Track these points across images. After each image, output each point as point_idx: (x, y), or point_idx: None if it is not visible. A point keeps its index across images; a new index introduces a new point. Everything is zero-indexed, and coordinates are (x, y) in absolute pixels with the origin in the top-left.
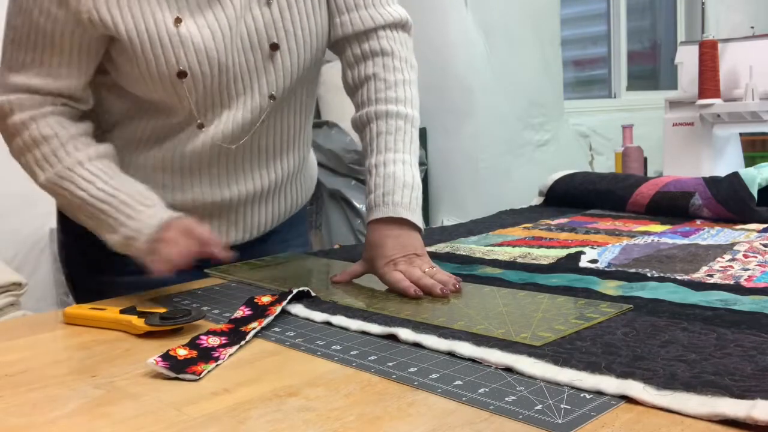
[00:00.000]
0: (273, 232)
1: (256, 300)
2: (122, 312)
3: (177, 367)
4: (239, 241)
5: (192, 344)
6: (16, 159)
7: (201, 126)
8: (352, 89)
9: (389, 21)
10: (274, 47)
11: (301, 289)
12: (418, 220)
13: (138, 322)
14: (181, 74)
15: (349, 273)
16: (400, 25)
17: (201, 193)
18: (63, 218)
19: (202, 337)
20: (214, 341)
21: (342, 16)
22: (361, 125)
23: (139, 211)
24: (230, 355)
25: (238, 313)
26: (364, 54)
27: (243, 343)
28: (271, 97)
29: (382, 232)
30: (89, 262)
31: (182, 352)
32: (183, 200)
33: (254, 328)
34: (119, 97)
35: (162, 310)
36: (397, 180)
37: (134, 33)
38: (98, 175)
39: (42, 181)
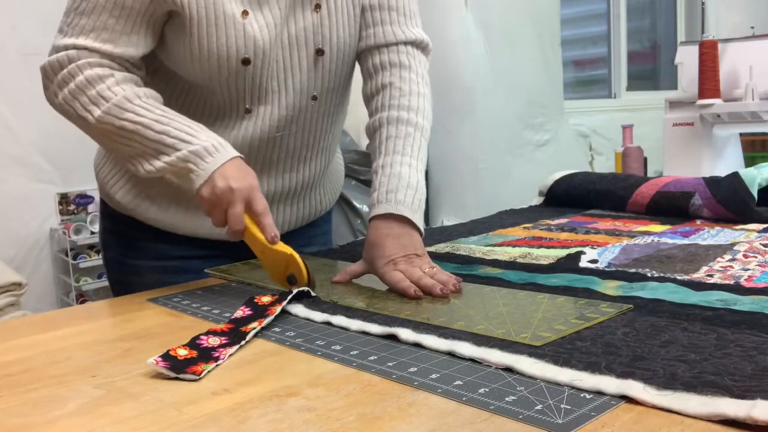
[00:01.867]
0: (292, 232)
1: (256, 300)
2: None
3: (177, 367)
4: None
5: (192, 344)
6: (64, 108)
7: (248, 111)
8: (369, 97)
9: (411, 39)
10: (320, 52)
11: (301, 288)
12: (419, 221)
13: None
14: (246, 61)
15: (349, 273)
16: (421, 46)
17: None
18: (103, 203)
19: (202, 337)
20: (214, 341)
21: (368, 29)
22: (372, 129)
23: (200, 131)
24: (230, 355)
25: (238, 313)
26: (383, 64)
27: (243, 343)
28: (314, 98)
29: (383, 231)
30: (124, 246)
31: (182, 352)
32: None
33: (254, 328)
34: (164, 81)
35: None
36: (402, 180)
37: (203, 15)
38: (155, 106)
39: (98, 115)
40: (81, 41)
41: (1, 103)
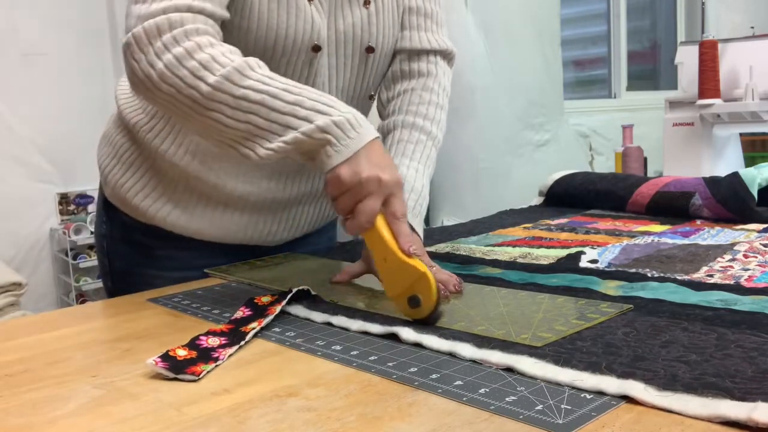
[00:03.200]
0: (309, 233)
1: (256, 300)
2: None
3: (176, 368)
4: (280, 240)
5: (191, 345)
6: (167, 78)
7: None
8: (387, 99)
9: (440, 48)
10: (370, 50)
11: (300, 288)
12: (418, 225)
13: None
14: (316, 48)
15: (349, 272)
16: (449, 57)
17: (267, 188)
18: (109, 208)
19: (201, 337)
20: (213, 341)
21: (404, 31)
22: (386, 130)
23: (338, 102)
24: (230, 356)
25: (238, 314)
26: (411, 72)
27: (243, 343)
28: (371, 97)
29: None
30: (135, 255)
31: (182, 353)
32: (247, 191)
33: (254, 328)
34: None
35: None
36: (406, 182)
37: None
38: (278, 77)
39: (213, 81)
40: (185, 1)
41: (1, 103)
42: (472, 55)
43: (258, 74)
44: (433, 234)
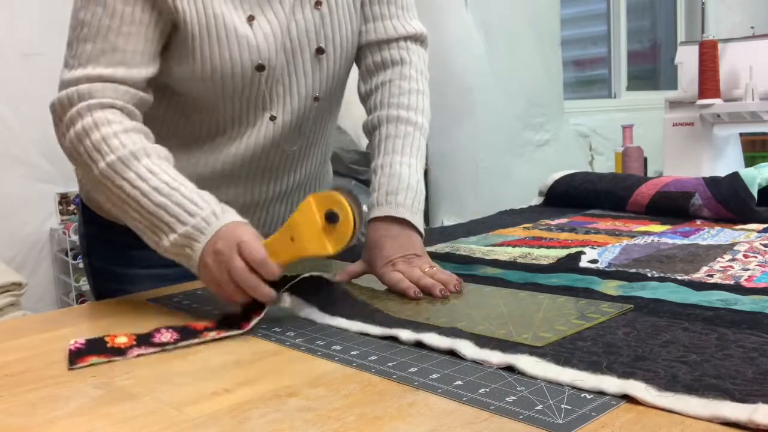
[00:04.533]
0: None
1: (189, 325)
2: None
3: (88, 351)
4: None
5: (142, 337)
6: (71, 152)
7: (273, 118)
8: (367, 94)
9: (410, 33)
10: (320, 51)
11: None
12: (418, 222)
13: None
14: (260, 68)
15: (349, 272)
16: (420, 39)
17: (234, 194)
18: (85, 208)
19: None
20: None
21: (368, 24)
22: (371, 128)
23: (201, 208)
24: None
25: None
26: (384, 62)
27: (195, 341)
28: (316, 99)
29: (382, 232)
30: (113, 254)
31: (121, 340)
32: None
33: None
34: (159, 100)
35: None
36: (401, 181)
37: (205, 31)
38: (160, 168)
39: (102, 167)
40: (91, 70)
41: (1, 103)
42: (472, 55)
43: (139, 168)
44: (433, 234)
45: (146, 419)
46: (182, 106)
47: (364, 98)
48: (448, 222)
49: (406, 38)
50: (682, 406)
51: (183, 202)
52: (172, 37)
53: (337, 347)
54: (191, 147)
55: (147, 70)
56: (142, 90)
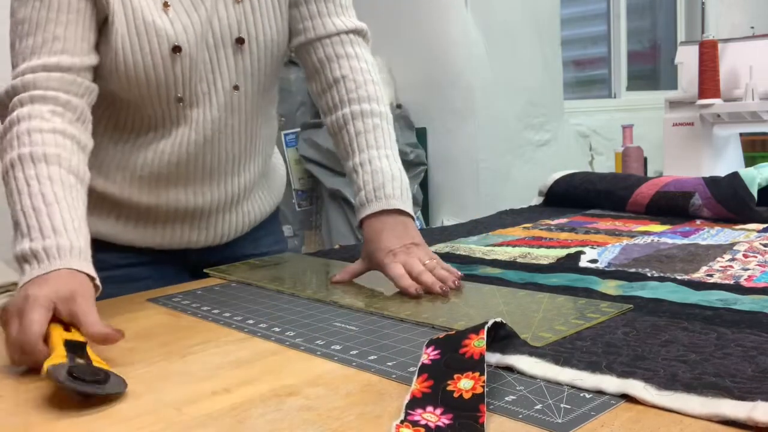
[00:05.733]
0: (241, 236)
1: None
2: (66, 343)
3: None
4: (205, 244)
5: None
6: (2, 131)
7: (180, 100)
8: (321, 92)
9: (351, 28)
10: (240, 41)
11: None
12: (409, 208)
13: (50, 361)
14: (176, 49)
15: (350, 272)
16: (362, 34)
17: (178, 198)
18: None
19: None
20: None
21: (305, 22)
22: (338, 127)
23: (60, 245)
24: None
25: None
26: (329, 57)
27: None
28: (235, 87)
29: (378, 226)
30: None
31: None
32: (154, 203)
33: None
34: (98, 103)
35: (80, 359)
36: (385, 174)
37: (130, 17)
38: (60, 181)
39: (13, 155)
40: (35, 61)
41: None
42: (472, 55)
43: (27, 172)
44: (433, 234)
45: (146, 419)
46: (111, 103)
47: (319, 95)
48: (448, 222)
49: (348, 32)
50: (681, 405)
51: (51, 221)
52: (101, 30)
53: (337, 347)
54: (125, 145)
55: (89, 58)
56: (89, 80)
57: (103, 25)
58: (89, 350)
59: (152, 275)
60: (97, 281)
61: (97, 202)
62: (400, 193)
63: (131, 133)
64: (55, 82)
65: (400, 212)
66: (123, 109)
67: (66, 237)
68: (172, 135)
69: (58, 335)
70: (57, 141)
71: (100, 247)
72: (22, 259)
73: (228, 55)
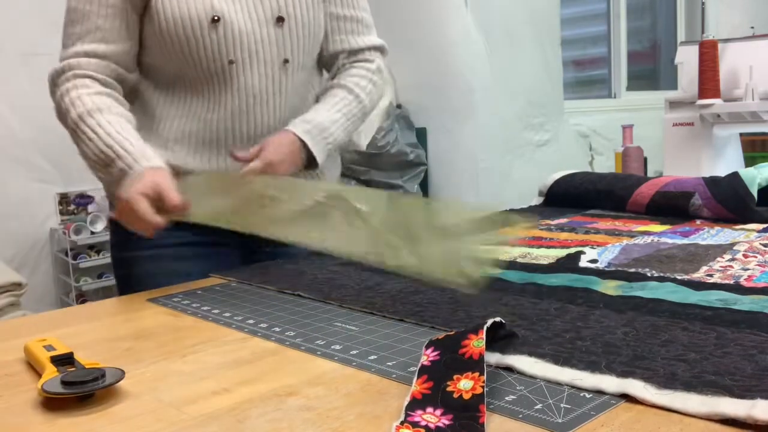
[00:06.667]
0: None
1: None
2: (52, 359)
3: None
4: None
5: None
6: (58, 105)
7: (231, 62)
8: (329, 79)
9: (375, 44)
10: (280, 20)
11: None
12: (314, 147)
13: (42, 381)
14: (215, 19)
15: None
16: (382, 50)
17: (223, 165)
18: (111, 205)
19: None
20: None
21: (340, 35)
22: (323, 92)
23: (136, 156)
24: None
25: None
26: (352, 62)
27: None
28: (286, 61)
29: (278, 139)
30: (120, 240)
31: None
32: (207, 168)
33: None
34: (149, 79)
35: (71, 368)
36: (317, 116)
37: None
38: (115, 121)
39: (73, 116)
40: (78, 47)
41: (1, 103)
42: (472, 55)
43: (100, 119)
44: None
45: (146, 419)
46: (166, 79)
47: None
48: None
49: (372, 48)
50: (680, 404)
51: (124, 146)
52: (147, 15)
53: (337, 347)
54: (180, 118)
55: (124, 45)
56: (123, 66)
57: (145, 10)
58: (77, 357)
59: (197, 253)
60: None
61: None
62: (317, 133)
63: (179, 104)
64: (93, 65)
65: (302, 144)
66: (171, 84)
67: (138, 149)
68: (219, 102)
69: (43, 355)
70: (103, 100)
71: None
72: (120, 173)
73: (270, 32)
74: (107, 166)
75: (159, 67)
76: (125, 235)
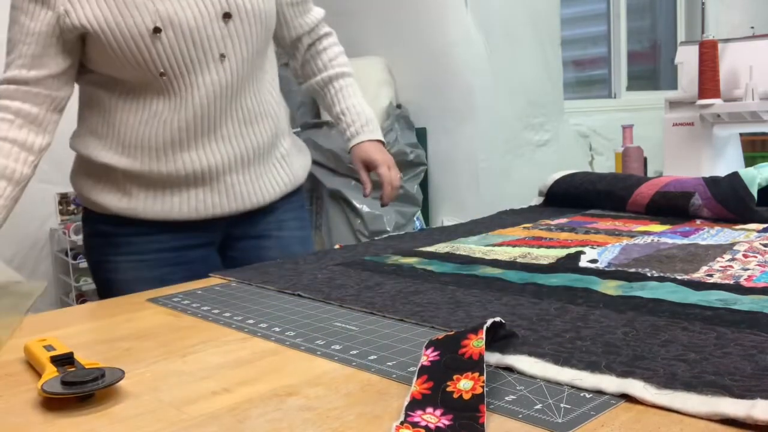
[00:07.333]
0: (267, 212)
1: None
2: (52, 359)
3: None
4: (229, 212)
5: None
6: None
7: (162, 75)
8: (304, 62)
9: (322, 15)
10: (227, 16)
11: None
12: (379, 136)
13: (42, 381)
14: (157, 30)
15: (367, 180)
16: (323, 17)
17: (189, 161)
18: (84, 209)
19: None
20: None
21: (298, 19)
22: (322, 85)
23: None
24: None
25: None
26: (315, 38)
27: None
28: (222, 56)
29: (370, 147)
30: (104, 245)
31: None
32: (174, 169)
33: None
34: (104, 89)
35: (71, 368)
36: (368, 115)
37: (112, 29)
38: None
39: None
40: (6, 74)
41: None
42: (472, 55)
43: None
44: (433, 234)
45: (146, 419)
46: (118, 88)
47: (303, 65)
48: (448, 222)
49: (321, 20)
50: (680, 404)
51: None
52: (89, 35)
53: (337, 347)
54: (136, 122)
55: (49, 69)
56: (47, 88)
57: (86, 39)
58: (77, 357)
59: (181, 258)
60: None
61: (126, 180)
62: (378, 129)
63: (138, 109)
64: (13, 92)
65: (380, 141)
66: (127, 91)
67: None
68: (173, 104)
69: (43, 355)
70: None
71: (134, 232)
72: None
73: (217, 28)
74: None
75: (112, 77)
76: (110, 238)
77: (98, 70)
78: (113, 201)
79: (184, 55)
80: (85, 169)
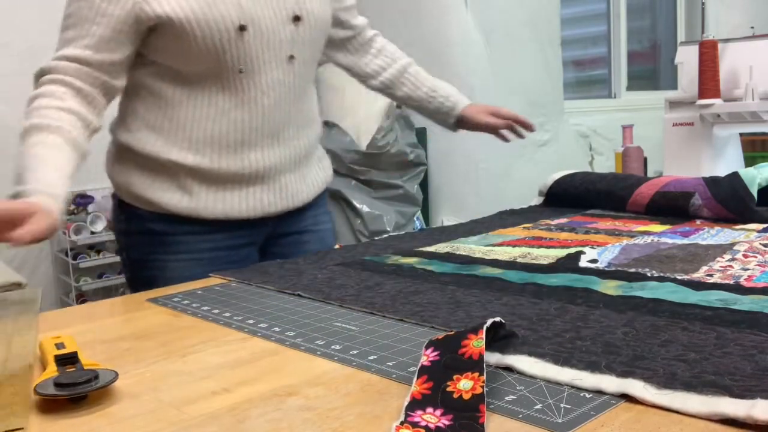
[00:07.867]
0: (305, 208)
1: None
2: (56, 358)
3: None
4: (281, 210)
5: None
6: (28, 101)
7: (241, 71)
8: (368, 61)
9: (366, 21)
10: (297, 19)
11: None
12: (466, 99)
13: (38, 380)
14: (243, 27)
15: (508, 121)
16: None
17: (254, 160)
18: (123, 205)
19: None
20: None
21: (349, 22)
22: (397, 75)
23: (32, 182)
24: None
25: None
26: (367, 38)
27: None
28: (291, 57)
29: (476, 108)
30: (149, 243)
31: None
32: (239, 167)
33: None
34: (168, 83)
35: (71, 368)
36: (451, 89)
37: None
38: (52, 144)
39: (26, 124)
40: (66, 51)
41: (1, 103)
42: (472, 55)
43: (41, 137)
44: (433, 234)
45: (146, 419)
46: (190, 84)
47: (365, 66)
48: (448, 222)
49: (366, 24)
50: (680, 404)
51: (34, 173)
52: (163, 26)
53: (337, 347)
54: (208, 120)
55: (114, 55)
56: (108, 74)
57: (156, 30)
58: (81, 357)
59: (231, 258)
60: (55, 214)
61: (188, 177)
62: (456, 93)
63: (203, 105)
64: (73, 71)
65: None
66: (191, 85)
67: (42, 187)
68: (239, 100)
69: (50, 353)
70: (61, 116)
71: (186, 231)
72: (11, 198)
73: (286, 29)
74: (16, 183)
75: (176, 70)
76: (158, 236)
77: (164, 62)
78: (173, 200)
79: (259, 53)
80: (140, 165)
